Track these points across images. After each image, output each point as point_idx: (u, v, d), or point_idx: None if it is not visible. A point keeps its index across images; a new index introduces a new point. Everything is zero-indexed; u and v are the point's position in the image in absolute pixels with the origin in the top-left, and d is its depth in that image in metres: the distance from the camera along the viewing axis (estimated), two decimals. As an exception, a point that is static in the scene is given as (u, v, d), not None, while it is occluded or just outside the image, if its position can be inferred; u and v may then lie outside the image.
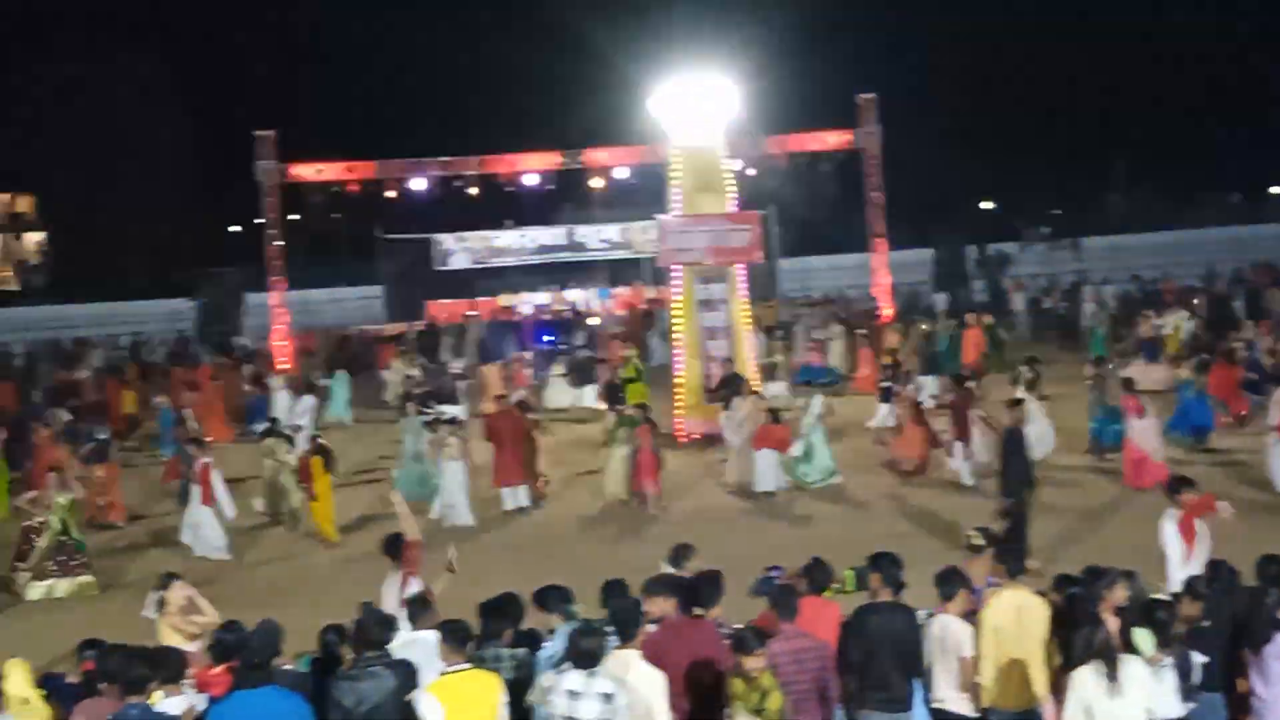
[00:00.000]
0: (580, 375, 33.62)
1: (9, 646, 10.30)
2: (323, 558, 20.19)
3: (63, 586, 18.79)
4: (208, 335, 48.47)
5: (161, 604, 12.80)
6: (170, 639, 11.99)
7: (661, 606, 10.05)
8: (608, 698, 8.69)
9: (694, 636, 9.73)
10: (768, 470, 22.58)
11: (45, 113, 71.25)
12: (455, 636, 9.25)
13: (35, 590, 18.70)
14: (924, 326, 36.25)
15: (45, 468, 23.14)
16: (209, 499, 20.71)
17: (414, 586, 11.87)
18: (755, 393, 25.20)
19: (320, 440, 22.33)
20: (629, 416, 22.89)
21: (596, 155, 42.67)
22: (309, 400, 29.24)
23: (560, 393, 33.50)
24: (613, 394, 27.76)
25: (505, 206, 50.44)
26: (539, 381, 34.63)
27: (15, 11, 76.82)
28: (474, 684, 9.11)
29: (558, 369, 34.41)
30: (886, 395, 25.83)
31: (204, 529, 20.56)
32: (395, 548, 12.70)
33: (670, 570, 11.40)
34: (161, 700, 9.12)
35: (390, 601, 11.73)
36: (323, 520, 21.02)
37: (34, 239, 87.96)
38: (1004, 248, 55.12)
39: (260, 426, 26.18)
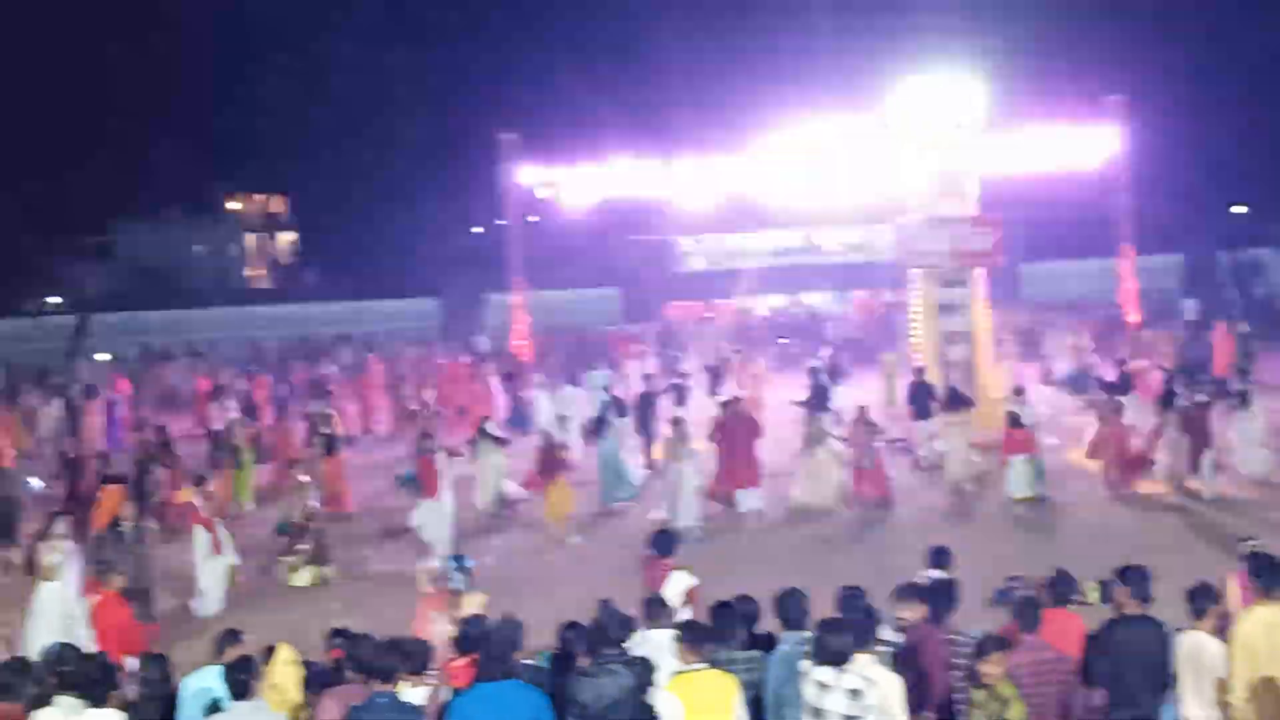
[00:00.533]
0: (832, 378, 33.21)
1: (264, 633, 10.66)
2: (555, 554, 20.41)
3: (311, 574, 19.38)
4: (450, 335, 49.67)
5: (438, 578, 12.94)
6: (429, 620, 12.16)
7: (913, 612, 10.02)
8: (855, 694, 8.66)
9: (940, 644, 9.63)
10: (1018, 477, 22.12)
11: (300, 118, 73.88)
12: (694, 636, 9.28)
13: (299, 577, 19.30)
14: (1174, 334, 35.18)
15: (289, 460, 24.01)
16: (434, 492, 21.02)
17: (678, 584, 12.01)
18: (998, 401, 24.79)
19: (556, 438, 22.65)
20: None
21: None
22: (572, 391, 29.56)
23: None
24: (819, 398, 27.36)
25: (740, 209, 50.47)
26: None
27: (272, 19, 79.82)
28: (711, 684, 9.14)
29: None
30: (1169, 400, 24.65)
31: (431, 523, 20.91)
32: (668, 544, 12.79)
33: (933, 573, 11.35)
34: (407, 690, 9.34)
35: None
36: (556, 515, 21.22)
37: (287, 239, 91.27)
38: (1257, 253, 53.16)
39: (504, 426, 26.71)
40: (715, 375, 32.77)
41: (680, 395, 30.09)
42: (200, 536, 18.30)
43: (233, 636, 10.21)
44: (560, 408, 28.54)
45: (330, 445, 24.24)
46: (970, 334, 27.71)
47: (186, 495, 19.53)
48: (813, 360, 34.32)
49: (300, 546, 19.42)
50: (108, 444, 27.41)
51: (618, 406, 26.32)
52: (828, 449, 22.59)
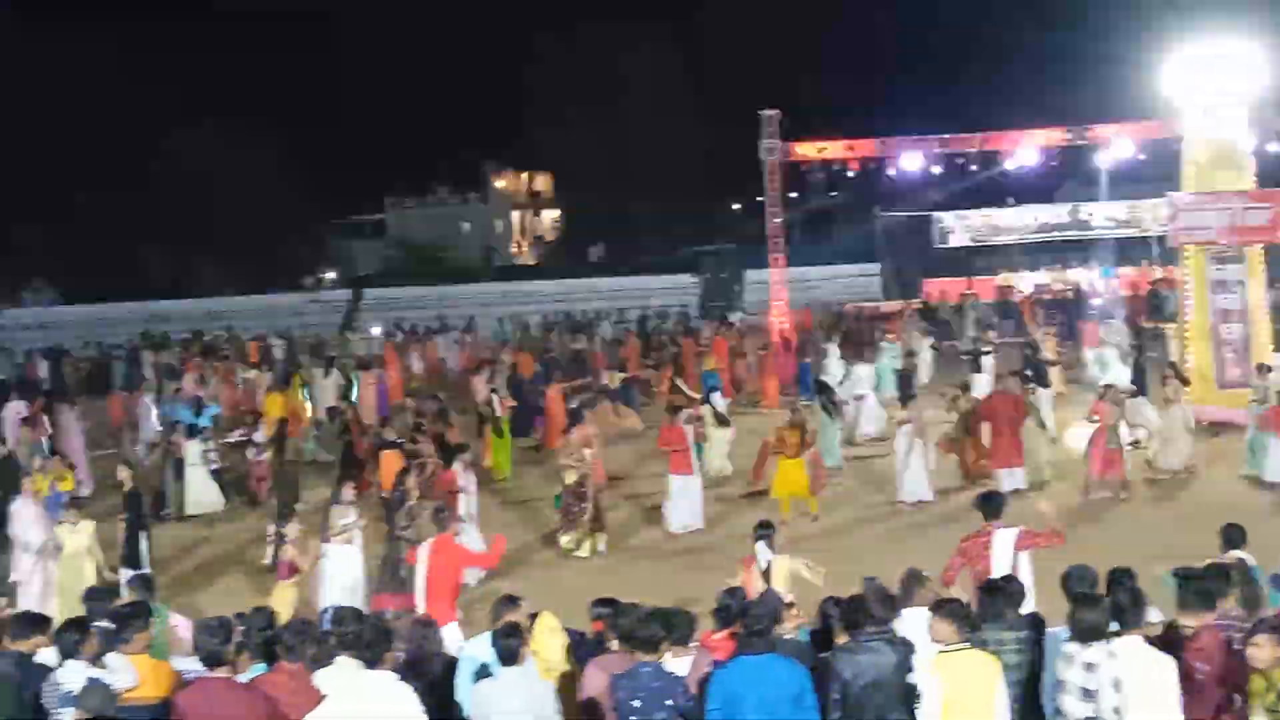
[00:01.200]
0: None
1: (536, 601, 10.90)
2: (809, 528, 20.34)
3: (587, 543, 19.63)
4: (709, 310, 49.94)
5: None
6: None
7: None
8: (1118, 681, 8.51)
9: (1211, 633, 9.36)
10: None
11: (562, 96, 75.01)
12: (955, 616, 9.21)
13: (575, 546, 19.58)
14: None
15: (557, 429, 24.44)
16: (683, 467, 21.07)
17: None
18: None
19: (802, 411, 22.55)
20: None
21: (1103, 130, 41.16)
22: (863, 370, 29.45)
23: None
24: (1038, 375, 26.54)
25: (1004, 184, 49.54)
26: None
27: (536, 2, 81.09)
28: (974, 664, 9.07)
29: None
30: None
31: (679, 497, 20.91)
32: (996, 507, 12.73)
33: (1234, 553, 11.13)
34: (670, 660, 9.48)
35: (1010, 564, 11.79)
36: (797, 488, 21.20)
37: (550, 216, 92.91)
38: None
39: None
40: (975, 355, 32.16)
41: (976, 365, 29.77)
42: (462, 505, 18.82)
43: (510, 602, 10.41)
44: (852, 385, 28.35)
45: (575, 417, 24.57)
46: (1246, 312, 26.71)
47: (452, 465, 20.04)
48: (1032, 338, 33.56)
49: (577, 516, 19.75)
50: (380, 414, 28.34)
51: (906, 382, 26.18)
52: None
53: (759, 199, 44.78)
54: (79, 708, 8.77)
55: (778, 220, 42.74)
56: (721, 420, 24.43)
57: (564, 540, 19.61)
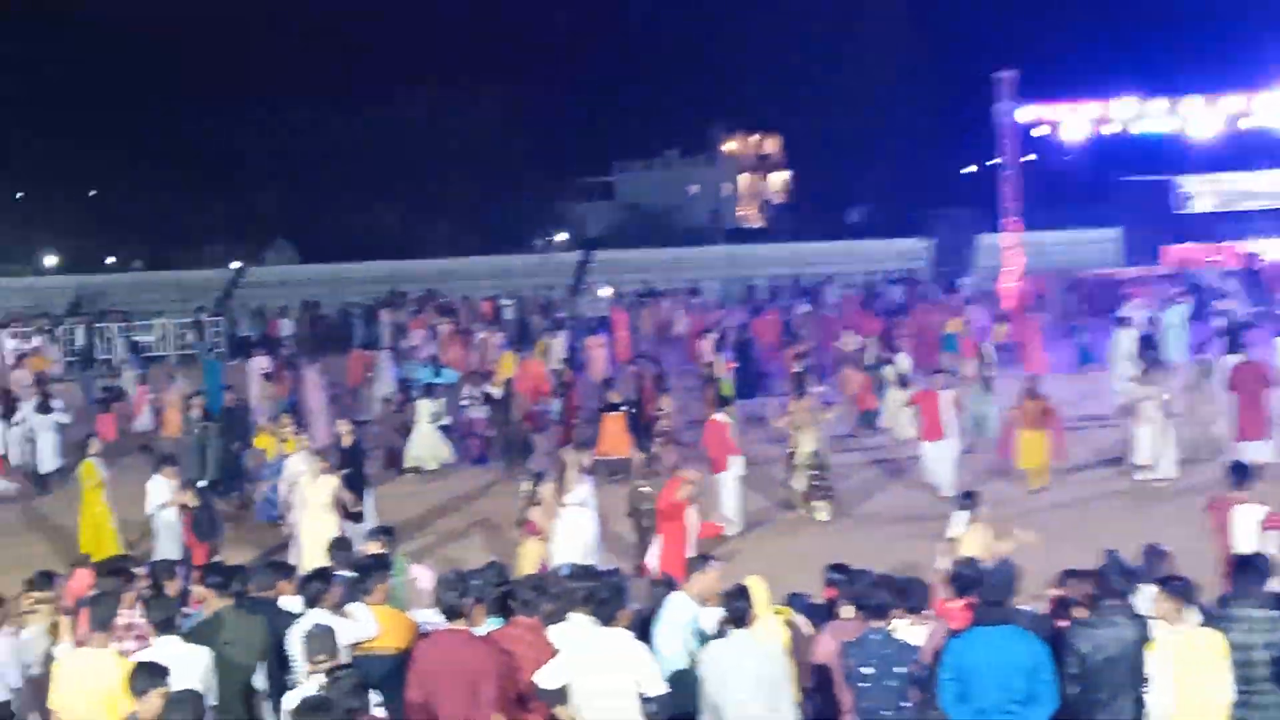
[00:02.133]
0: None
1: (759, 566, 10.92)
2: (1038, 501, 19.86)
3: (826, 508, 19.61)
4: (939, 275, 49.20)
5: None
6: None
7: None
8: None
9: None
10: None
11: (792, 58, 74.40)
12: (1179, 593, 8.95)
13: (818, 511, 19.54)
14: None
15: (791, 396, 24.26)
16: (934, 433, 20.80)
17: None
18: None
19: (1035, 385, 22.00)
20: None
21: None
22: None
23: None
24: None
25: (1250, 147, 47.55)
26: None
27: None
28: (1203, 642, 8.83)
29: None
30: None
31: (933, 462, 20.73)
32: (1243, 475, 12.38)
33: None
34: (902, 627, 9.39)
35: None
36: (1040, 460, 20.68)
37: (779, 178, 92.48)
38: None
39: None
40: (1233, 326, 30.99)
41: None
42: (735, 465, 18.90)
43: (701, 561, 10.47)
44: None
45: (800, 384, 24.45)
46: None
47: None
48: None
49: (821, 481, 19.66)
50: (609, 375, 28.65)
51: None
52: None
53: (992, 162, 43.92)
54: (309, 652, 9.04)
55: (1011, 184, 41.86)
56: (903, 382, 24.18)
57: (804, 501, 19.59)
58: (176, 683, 8.25)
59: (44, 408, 24.15)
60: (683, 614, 9.99)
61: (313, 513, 15.97)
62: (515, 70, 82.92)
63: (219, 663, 9.61)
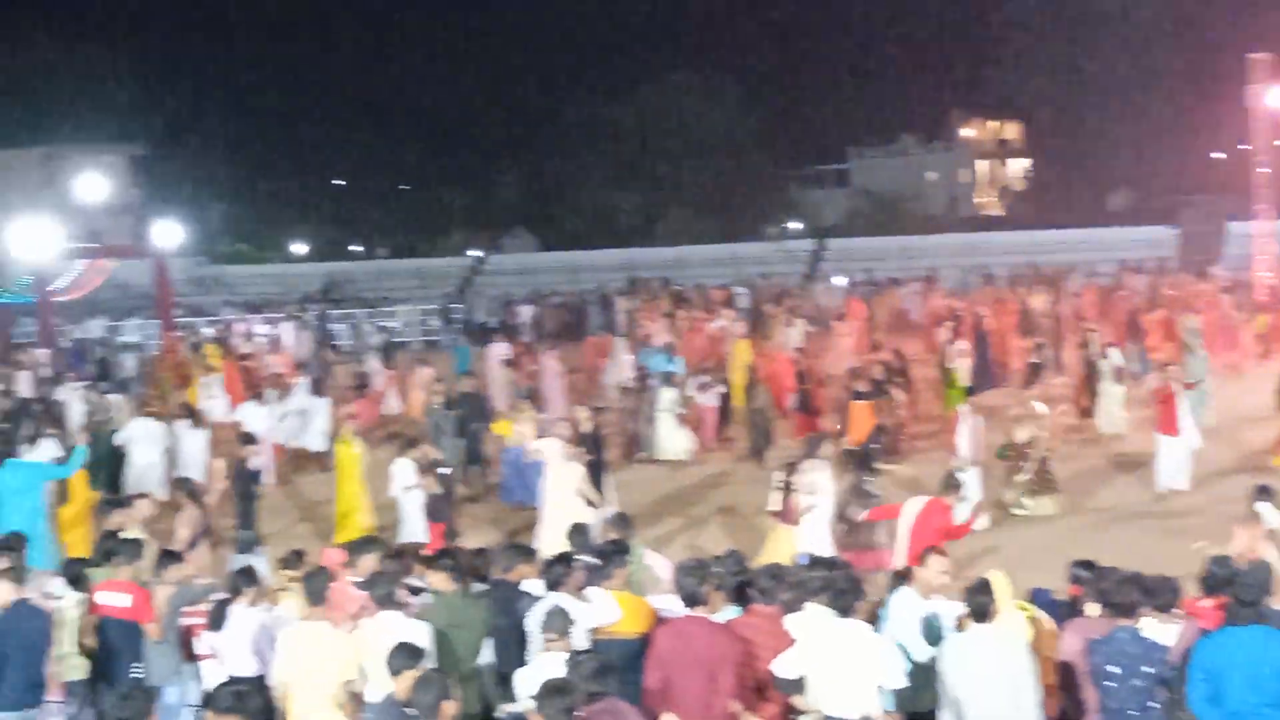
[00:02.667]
0: None
1: (990, 561, 10.74)
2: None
3: (1036, 502, 19.23)
4: (1187, 264, 47.62)
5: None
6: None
7: None
8: None
9: None
10: None
11: (1034, 41, 72.77)
12: None
13: (1023, 504, 19.17)
14: None
15: (1014, 384, 23.86)
16: (1170, 427, 20.02)
17: None
18: None
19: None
20: None
21: None
22: None
23: None
24: None
25: None
26: None
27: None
28: None
29: None
30: None
31: (1164, 458, 19.99)
32: None
33: None
34: (1151, 627, 9.15)
35: None
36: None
37: (1019, 165, 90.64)
38: None
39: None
40: None
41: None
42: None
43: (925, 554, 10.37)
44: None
45: (1036, 373, 23.94)
46: None
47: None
48: None
49: (1023, 473, 19.29)
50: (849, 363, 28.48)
51: None
52: None
53: (1243, 147, 42.32)
54: (544, 630, 9.21)
55: (1264, 170, 40.27)
56: (1118, 376, 23.69)
57: (1006, 496, 19.19)
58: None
59: (317, 389, 25.14)
60: (910, 608, 9.96)
61: (559, 498, 16.22)
62: (752, 57, 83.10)
63: (441, 645, 9.88)
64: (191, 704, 11.01)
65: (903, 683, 9.01)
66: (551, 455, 17.05)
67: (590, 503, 16.65)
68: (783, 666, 9.06)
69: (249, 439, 18.58)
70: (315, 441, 24.48)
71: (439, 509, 15.99)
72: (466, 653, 9.83)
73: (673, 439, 23.95)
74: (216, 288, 59.25)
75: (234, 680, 8.60)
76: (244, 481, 17.63)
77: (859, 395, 21.70)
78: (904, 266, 51.12)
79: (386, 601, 9.98)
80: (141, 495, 15.13)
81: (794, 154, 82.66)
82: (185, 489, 15.85)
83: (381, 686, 9.12)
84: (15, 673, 10.28)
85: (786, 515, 15.17)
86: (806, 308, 40.01)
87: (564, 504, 15.95)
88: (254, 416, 22.84)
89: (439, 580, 10.56)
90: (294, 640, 9.88)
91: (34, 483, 16.44)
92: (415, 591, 10.77)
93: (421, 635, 9.50)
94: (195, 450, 21.78)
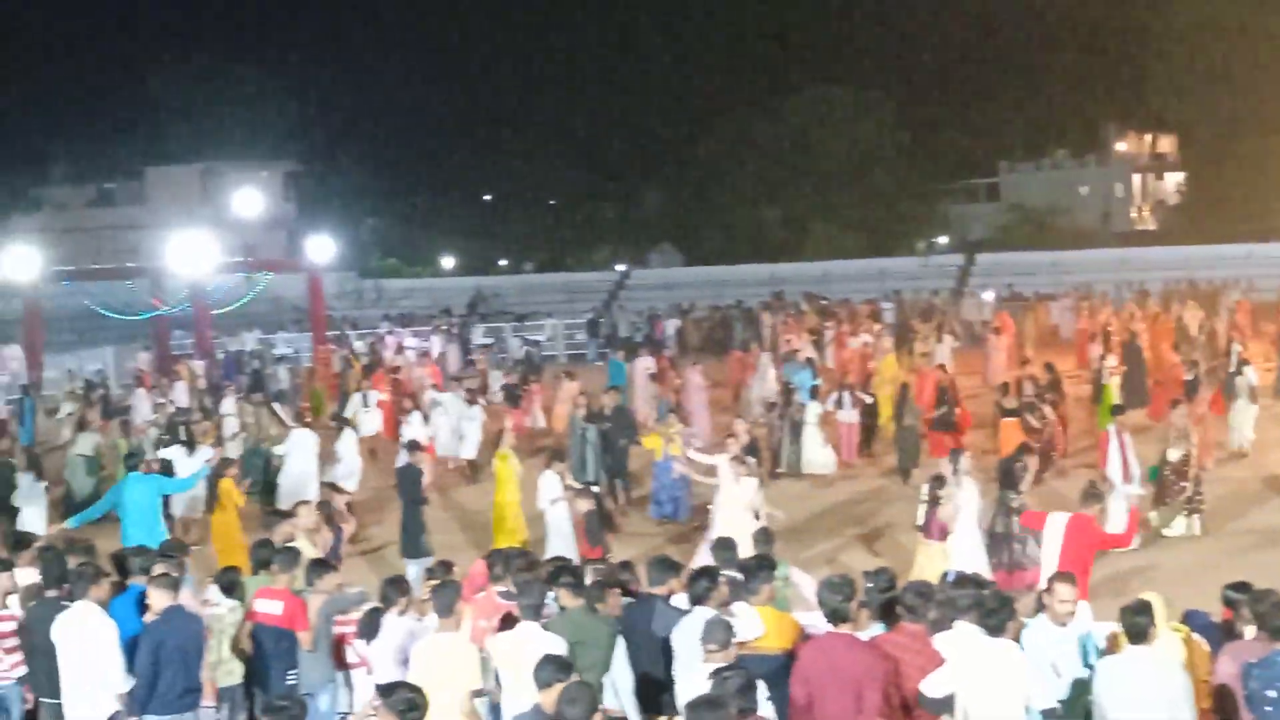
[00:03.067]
0: None
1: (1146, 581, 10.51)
2: None
3: (1185, 522, 18.78)
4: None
5: None
6: None
7: None
8: None
9: None
10: None
11: (1188, 53, 71.33)
12: None
13: (1169, 524, 18.77)
14: None
15: (1165, 401, 23.35)
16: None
17: None
18: None
19: None
20: None
21: None
22: None
23: None
24: None
25: None
26: None
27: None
28: None
29: None
30: None
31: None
32: None
33: None
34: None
35: None
36: None
37: (1174, 179, 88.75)
38: None
39: None
40: None
41: None
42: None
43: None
44: None
45: (1190, 391, 23.41)
46: None
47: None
48: None
49: (1175, 494, 18.84)
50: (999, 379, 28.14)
51: None
52: None
53: None
54: (705, 641, 9.20)
55: None
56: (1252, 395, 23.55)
57: (1153, 516, 18.74)
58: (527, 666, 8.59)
59: (470, 400, 25.45)
60: (1043, 635, 9.84)
61: (730, 513, 16.18)
62: (902, 71, 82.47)
63: None
64: (342, 711, 11.18)
65: (1051, 704, 8.85)
66: (723, 472, 17.06)
67: (756, 516, 16.62)
68: (931, 686, 8.95)
69: (415, 446, 18.90)
70: (468, 451, 24.78)
71: (593, 525, 15.90)
72: (590, 669, 9.81)
73: (817, 454, 23.78)
74: (367, 301, 60.17)
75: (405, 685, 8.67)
76: (412, 489, 17.89)
77: (1007, 412, 21.39)
78: (1055, 282, 50.32)
79: (532, 613, 10.04)
80: (304, 503, 15.40)
81: (944, 168, 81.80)
82: (324, 511, 16.00)
83: (520, 697, 9.21)
84: (171, 677, 10.54)
85: (930, 531, 15.02)
86: (955, 323, 39.59)
87: (735, 520, 15.84)
88: (415, 427, 23.23)
89: (564, 596, 10.58)
90: (425, 651, 9.99)
91: (154, 496, 17.03)
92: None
93: (561, 647, 9.54)
94: (349, 460, 22.14)
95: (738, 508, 16.35)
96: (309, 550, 13.10)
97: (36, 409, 31.17)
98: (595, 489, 17.61)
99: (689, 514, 20.67)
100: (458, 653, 9.86)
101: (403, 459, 19.65)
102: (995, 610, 9.16)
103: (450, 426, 25.09)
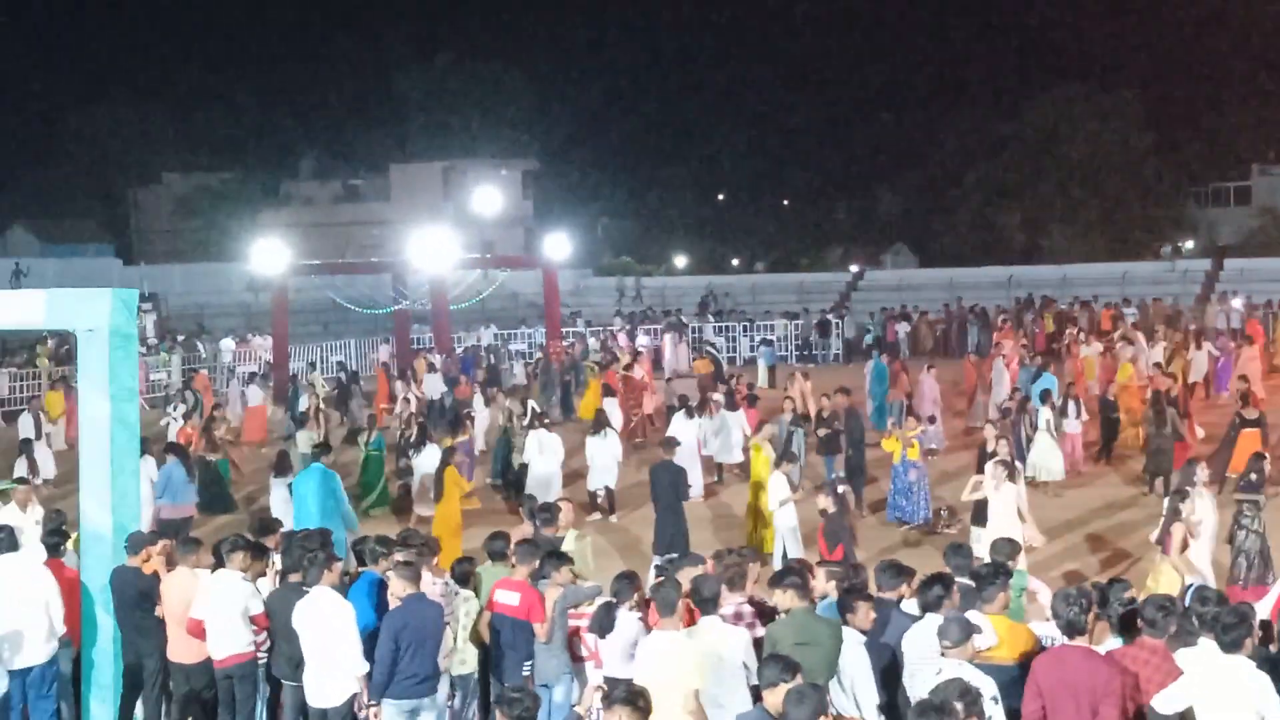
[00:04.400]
0: None
1: None
2: None
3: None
4: None
5: None
6: None
7: None
8: None
9: None
10: None
11: None
12: None
13: None
14: None
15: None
16: None
17: None
18: None
19: None
20: None
21: None
22: None
23: None
24: None
25: None
26: None
27: None
28: None
29: None
30: None
31: None
32: None
33: None
34: None
35: None
36: None
37: None
38: None
39: None
40: None
41: None
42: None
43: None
44: None
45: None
46: None
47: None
48: None
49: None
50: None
51: None
52: None
53: None
54: (941, 637, 9.12)
55: None
56: None
57: None
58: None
59: (730, 404, 25.45)
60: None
61: (997, 522, 15.98)
62: (1150, 70, 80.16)
63: None
64: (576, 704, 11.32)
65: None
66: (990, 478, 16.90)
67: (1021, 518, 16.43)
68: (1164, 701, 8.70)
69: (672, 442, 19.14)
70: (733, 455, 24.78)
71: (836, 528, 15.60)
72: (814, 671, 9.73)
73: (1048, 459, 23.27)
74: (629, 299, 60.68)
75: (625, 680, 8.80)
76: (673, 491, 18.07)
77: (1247, 423, 20.66)
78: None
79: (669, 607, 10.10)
80: (566, 500, 15.63)
81: (1192, 170, 79.18)
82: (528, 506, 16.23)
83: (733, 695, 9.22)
84: (410, 663, 10.81)
85: (1167, 546, 14.59)
86: (1209, 332, 38.37)
87: (1002, 527, 15.59)
88: (682, 428, 23.36)
89: (786, 598, 10.51)
90: (650, 648, 10.03)
91: (328, 489, 18.01)
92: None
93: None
94: (606, 458, 22.31)
95: (1006, 515, 16.10)
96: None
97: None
98: (842, 489, 17.16)
99: (926, 518, 20.46)
100: (679, 651, 9.85)
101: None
102: (1231, 626, 8.85)
103: (713, 429, 25.07)
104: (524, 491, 20.31)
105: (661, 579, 10.73)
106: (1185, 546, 14.49)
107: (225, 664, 11.71)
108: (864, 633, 10.13)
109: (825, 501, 15.47)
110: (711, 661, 9.84)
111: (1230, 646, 8.78)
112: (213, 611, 11.60)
